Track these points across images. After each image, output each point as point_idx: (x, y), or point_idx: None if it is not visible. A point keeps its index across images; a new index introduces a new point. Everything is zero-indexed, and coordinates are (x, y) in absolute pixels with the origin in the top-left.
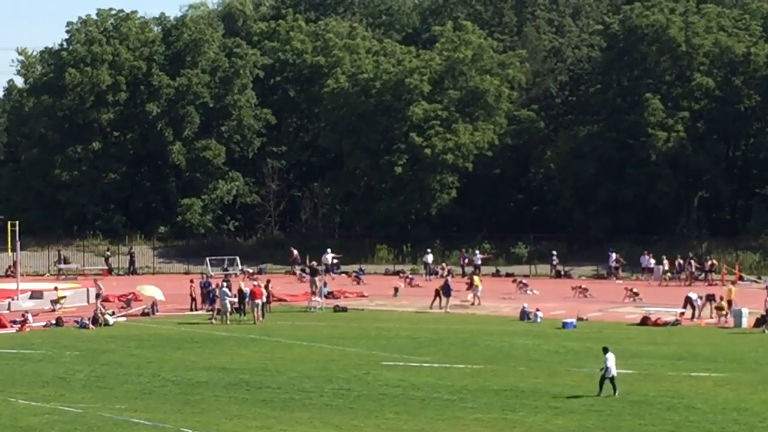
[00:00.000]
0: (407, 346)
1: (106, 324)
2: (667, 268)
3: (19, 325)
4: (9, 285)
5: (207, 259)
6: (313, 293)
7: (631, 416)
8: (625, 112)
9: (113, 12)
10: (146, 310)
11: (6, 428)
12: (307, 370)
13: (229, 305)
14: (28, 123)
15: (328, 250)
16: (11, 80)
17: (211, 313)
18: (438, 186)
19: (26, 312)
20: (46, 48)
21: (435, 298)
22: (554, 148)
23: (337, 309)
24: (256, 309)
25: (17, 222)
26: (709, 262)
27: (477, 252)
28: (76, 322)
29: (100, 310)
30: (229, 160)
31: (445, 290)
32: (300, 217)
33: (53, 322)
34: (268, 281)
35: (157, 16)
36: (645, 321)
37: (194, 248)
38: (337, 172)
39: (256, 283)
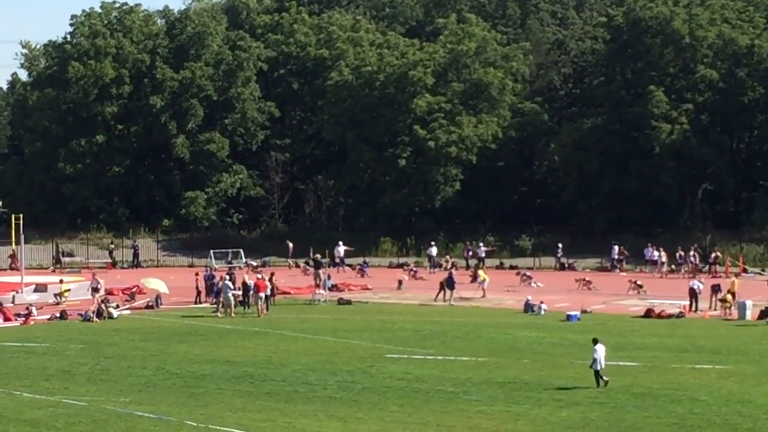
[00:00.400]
0: (411, 339)
1: (110, 317)
2: (664, 260)
3: (24, 318)
4: (13, 278)
5: (211, 252)
6: (318, 286)
7: (635, 408)
8: (629, 105)
9: (117, 5)
10: (150, 303)
11: (10, 421)
12: (312, 362)
13: (232, 298)
14: (31, 116)
15: (340, 243)
16: (15, 73)
17: (215, 306)
18: (442, 178)
19: (30, 305)
20: (49, 41)
21: (439, 291)
22: (558, 141)
23: (341, 302)
24: (260, 302)
25: (21, 215)
26: (713, 255)
27: (481, 244)
28: (80, 315)
29: (98, 302)
30: (232, 152)
31: (449, 283)
32: (304, 209)
33: (57, 315)
34: (272, 274)
35: (161, 9)
36: (649, 313)
37: (198, 241)
38: (341, 164)
39: (260, 276)
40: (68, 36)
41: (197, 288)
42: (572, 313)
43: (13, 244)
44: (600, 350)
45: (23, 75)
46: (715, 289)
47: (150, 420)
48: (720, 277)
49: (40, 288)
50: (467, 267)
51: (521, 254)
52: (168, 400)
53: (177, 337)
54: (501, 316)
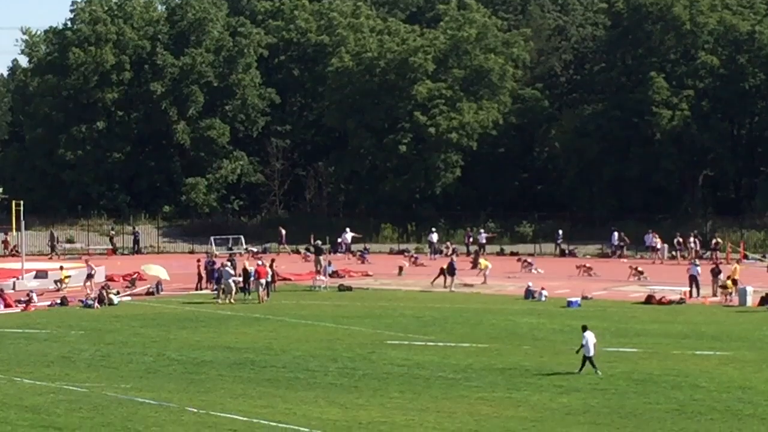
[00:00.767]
0: (412, 325)
1: (111, 303)
2: (659, 246)
3: (24, 305)
4: (14, 264)
5: (211, 238)
6: (318, 272)
7: (635, 395)
8: (630, 91)
9: None
10: (151, 290)
11: (11, 407)
12: (312, 349)
13: (232, 284)
14: (32, 103)
15: (347, 230)
16: (15, 60)
17: (216, 292)
18: (442, 165)
19: (31, 291)
20: (50, 27)
21: (438, 275)
22: (559, 127)
23: (341, 288)
24: (260, 288)
25: (21, 201)
26: (714, 241)
27: (482, 231)
28: (81, 301)
29: (97, 289)
30: (233, 139)
31: (450, 269)
32: (304, 196)
33: (58, 301)
34: (273, 260)
35: None
36: (650, 299)
37: (199, 228)
38: (342, 151)
39: (260, 262)
40: (69, 22)
41: (198, 274)
42: (573, 299)
43: (14, 230)
44: (589, 337)
45: (24, 61)
46: (715, 272)
47: (150, 406)
48: (721, 263)
49: (41, 274)
50: (468, 253)
51: (522, 241)
52: (168, 387)
53: (177, 324)
54: (502, 303)
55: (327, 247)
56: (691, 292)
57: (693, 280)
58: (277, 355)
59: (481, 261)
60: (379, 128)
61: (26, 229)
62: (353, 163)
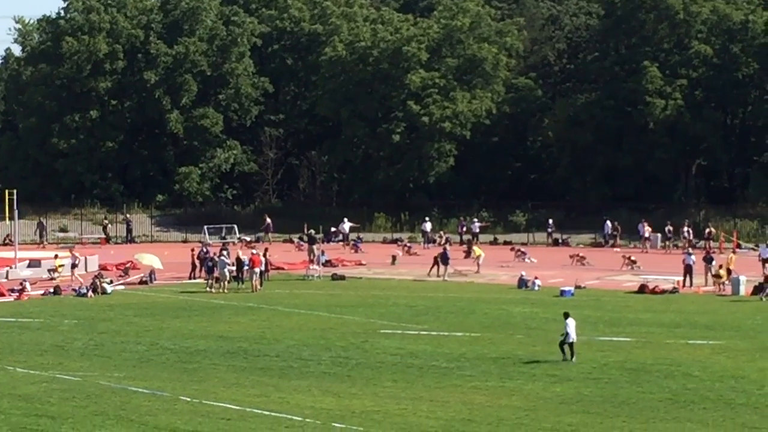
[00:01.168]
0: (405, 314)
1: (104, 292)
2: (647, 235)
3: (17, 294)
4: (7, 254)
5: (205, 227)
6: (311, 261)
7: (628, 384)
8: (623, 80)
9: None
10: (144, 279)
11: (4, 396)
12: (305, 338)
13: (228, 273)
14: (25, 92)
15: (345, 219)
16: (8, 49)
17: (208, 282)
18: (436, 154)
19: (24, 280)
20: (43, 16)
21: (433, 266)
22: (552, 116)
23: (335, 277)
24: (255, 277)
25: (15, 190)
26: (707, 230)
27: (475, 220)
28: (74, 290)
29: (75, 278)
30: (226, 128)
31: (443, 258)
32: (298, 185)
33: (51, 290)
34: (266, 249)
35: None
36: (643, 289)
37: (192, 217)
38: (335, 140)
39: (254, 251)
40: (62, 11)
41: (192, 263)
42: (566, 288)
43: (7, 219)
44: (571, 324)
45: (17, 50)
46: (708, 260)
47: (144, 395)
48: (714, 252)
49: (34, 263)
50: (461, 242)
51: (515, 230)
52: (162, 376)
53: (171, 313)
54: (495, 292)
55: (320, 236)
56: (684, 281)
57: (688, 269)
58: (270, 344)
59: (475, 249)
60: (373, 117)
61: (19, 218)
62: (346, 152)
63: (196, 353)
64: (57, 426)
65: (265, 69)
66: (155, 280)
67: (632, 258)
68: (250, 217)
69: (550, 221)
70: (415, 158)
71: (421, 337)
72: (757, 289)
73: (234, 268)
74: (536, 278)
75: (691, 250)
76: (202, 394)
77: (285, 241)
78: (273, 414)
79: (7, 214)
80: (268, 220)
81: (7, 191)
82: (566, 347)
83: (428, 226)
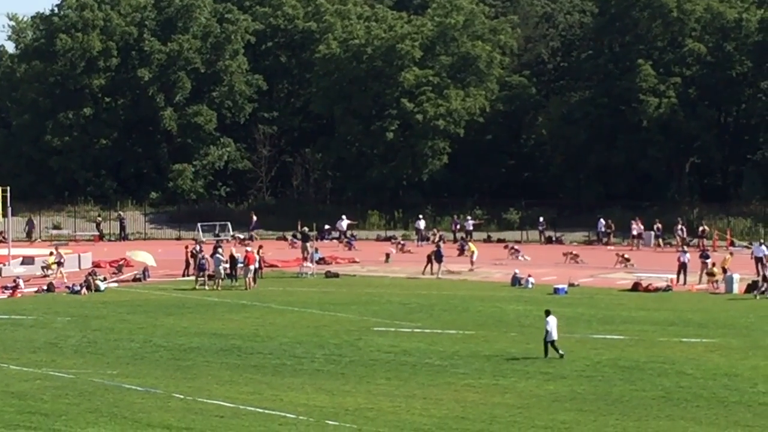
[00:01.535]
0: (399, 312)
1: (97, 290)
2: (636, 233)
3: (11, 291)
4: (0, 251)
5: (198, 224)
6: (305, 259)
7: (622, 382)
8: (617, 78)
9: None
10: (138, 276)
11: None
12: (299, 335)
13: (222, 271)
14: (19, 89)
15: (343, 217)
16: (2, 46)
17: (201, 279)
18: (429, 152)
19: (18, 277)
20: (37, 13)
21: (427, 264)
22: (546, 114)
23: (328, 275)
24: (249, 274)
25: (8, 188)
26: (701, 228)
27: (469, 218)
28: (68, 287)
29: (62, 275)
30: (220, 125)
31: (437, 256)
32: (291, 183)
33: (44, 287)
34: (260, 247)
35: None
36: (636, 287)
37: (186, 214)
38: (329, 137)
39: (249, 248)
40: (56, 8)
41: (186, 261)
42: (560, 286)
43: (0, 216)
44: (552, 322)
45: (10, 47)
46: (704, 256)
47: (137, 392)
48: (708, 250)
49: (28, 260)
50: (455, 240)
51: (509, 227)
52: (155, 373)
53: (164, 310)
54: (488, 290)
55: (314, 233)
56: (678, 279)
57: (683, 267)
58: (263, 342)
59: (470, 244)
60: (366, 115)
61: (13, 215)
62: (340, 149)
63: (189, 350)
64: (50, 423)
65: (258, 66)
66: (149, 277)
67: (626, 256)
68: (243, 215)
69: (541, 219)
70: (409, 156)
71: (414, 335)
72: (751, 287)
73: (227, 265)
74: (530, 276)
75: (686, 248)
76: (195, 392)
77: (278, 238)
78: (266, 411)
79: (0, 212)
80: (255, 217)
81: (0, 188)
82: (549, 345)
83: (422, 223)
